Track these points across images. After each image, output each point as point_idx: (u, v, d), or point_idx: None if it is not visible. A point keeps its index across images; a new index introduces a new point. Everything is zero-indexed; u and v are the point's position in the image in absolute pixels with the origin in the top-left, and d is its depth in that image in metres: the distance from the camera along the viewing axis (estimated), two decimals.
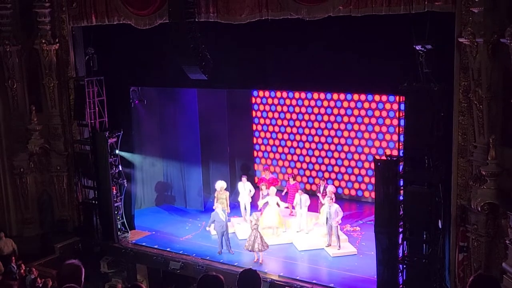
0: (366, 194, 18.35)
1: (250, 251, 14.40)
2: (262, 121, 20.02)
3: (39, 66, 16.73)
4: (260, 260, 14.38)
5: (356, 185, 18.58)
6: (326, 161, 18.94)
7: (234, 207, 17.29)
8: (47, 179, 17.35)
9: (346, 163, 18.65)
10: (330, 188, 15.77)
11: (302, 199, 15.73)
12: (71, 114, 16.85)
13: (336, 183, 18.72)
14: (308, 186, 19.13)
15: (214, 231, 15.48)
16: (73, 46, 16.60)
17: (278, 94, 19.44)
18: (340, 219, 14.77)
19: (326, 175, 18.83)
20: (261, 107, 19.95)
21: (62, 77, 16.76)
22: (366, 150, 18.17)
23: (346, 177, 18.73)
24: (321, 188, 16.41)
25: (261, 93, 19.80)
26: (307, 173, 19.34)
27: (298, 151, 19.43)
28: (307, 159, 19.27)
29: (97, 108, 16.23)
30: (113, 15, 15.30)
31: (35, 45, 16.49)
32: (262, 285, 5.43)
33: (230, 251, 15.07)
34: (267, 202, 15.94)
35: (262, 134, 20.08)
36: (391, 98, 17.01)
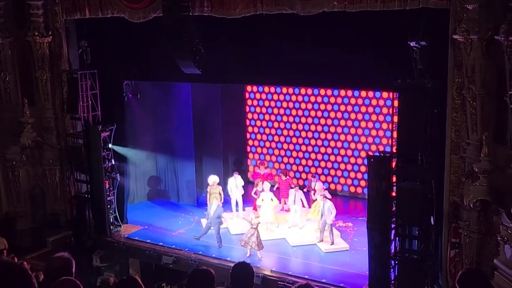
0: (359, 190, 18.37)
1: (243, 246, 14.38)
2: (255, 116, 19.99)
3: (32, 58, 16.63)
4: (249, 254, 14.34)
5: (349, 182, 18.60)
6: (319, 157, 18.95)
7: (227, 202, 17.28)
8: (39, 172, 17.27)
9: (339, 159, 18.66)
10: (319, 185, 15.74)
11: (297, 195, 15.71)
12: (64, 107, 16.77)
13: (329, 179, 18.77)
14: (300, 182, 19.12)
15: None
16: (66, 39, 16.51)
17: (272, 89, 19.41)
18: (334, 216, 14.79)
19: (319, 171, 18.85)
20: (255, 102, 19.93)
21: (55, 70, 16.66)
22: (359, 146, 18.19)
23: (339, 173, 18.75)
24: (312, 185, 16.43)
25: (255, 88, 19.77)
26: (300, 168, 19.35)
27: (291, 146, 19.44)
28: (300, 154, 19.28)
29: (90, 102, 16.16)
30: (106, 8, 15.21)
31: (27, 37, 16.39)
32: (254, 279, 5.48)
33: (219, 246, 15.10)
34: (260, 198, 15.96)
35: (256, 129, 20.06)
36: (385, 94, 17.02)
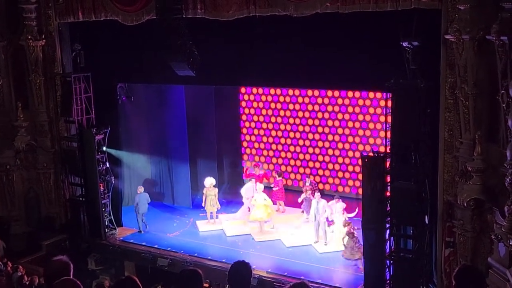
0: (354, 190, 18.40)
1: (348, 259, 14.08)
2: (250, 117, 20.00)
3: (25, 62, 16.61)
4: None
5: (344, 182, 18.64)
6: (314, 157, 18.96)
7: (222, 203, 17.31)
8: (33, 176, 17.24)
9: (334, 159, 18.68)
10: (341, 205, 15.04)
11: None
12: (58, 111, 16.77)
13: (324, 179, 18.79)
14: (295, 182, 19.18)
15: None
16: (59, 42, 16.50)
17: (266, 90, 19.43)
18: (327, 215, 14.84)
19: (314, 171, 18.87)
20: (249, 104, 19.94)
21: (48, 74, 16.65)
22: (354, 146, 18.23)
23: (333, 173, 18.77)
24: (307, 184, 16.46)
25: (248, 90, 19.78)
26: (295, 169, 19.37)
27: (285, 147, 19.46)
28: (295, 155, 19.30)
29: (84, 105, 16.17)
30: (100, 11, 15.23)
31: (21, 41, 16.37)
32: (251, 278, 5.60)
33: (141, 231, 16.38)
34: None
35: (250, 131, 20.07)
36: (378, 94, 17.07)
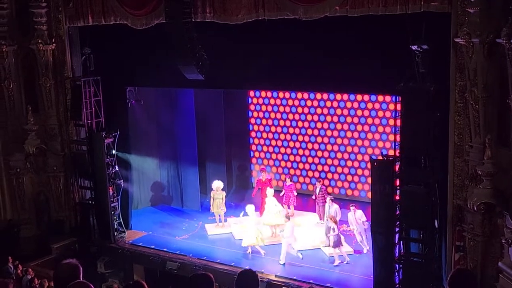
0: (363, 194, 18.37)
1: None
2: (258, 121, 20.02)
3: (36, 66, 16.70)
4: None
5: (353, 185, 18.60)
6: (323, 161, 18.95)
7: (230, 207, 17.31)
8: (43, 179, 17.31)
9: (342, 163, 18.66)
10: (359, 213, 14.85)
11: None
12: (67, 114, 16.84)
13: (333, 183, 18.76)
14: (304, 186, 19.16)
15: None
16: (69, 46, 16.58)
17: (275, 94, 19.45)
18: (338, 219, 14.79)
19: (323, 175, 18.85)
20: (258, 107, 19.96)
21: (58, 77, 16.74)
22: (363, 150, 18.19)
23: (342, 177, 18.74)
24: (317, 190, 16.41)
25: (257, 93, 19.80)
26: (304, 173, 19.35)
27: (294, 151, 19.44)
28: (304, 159, 19.29)
29: (93, 108, 16.24)
30: (109, 15, 15.30)
31: (31, 45, 16.47)
32: (259, 286, 5.56)
33: None
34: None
35: (259, 134, 20.09)
36: (388, 98, 17.04)
